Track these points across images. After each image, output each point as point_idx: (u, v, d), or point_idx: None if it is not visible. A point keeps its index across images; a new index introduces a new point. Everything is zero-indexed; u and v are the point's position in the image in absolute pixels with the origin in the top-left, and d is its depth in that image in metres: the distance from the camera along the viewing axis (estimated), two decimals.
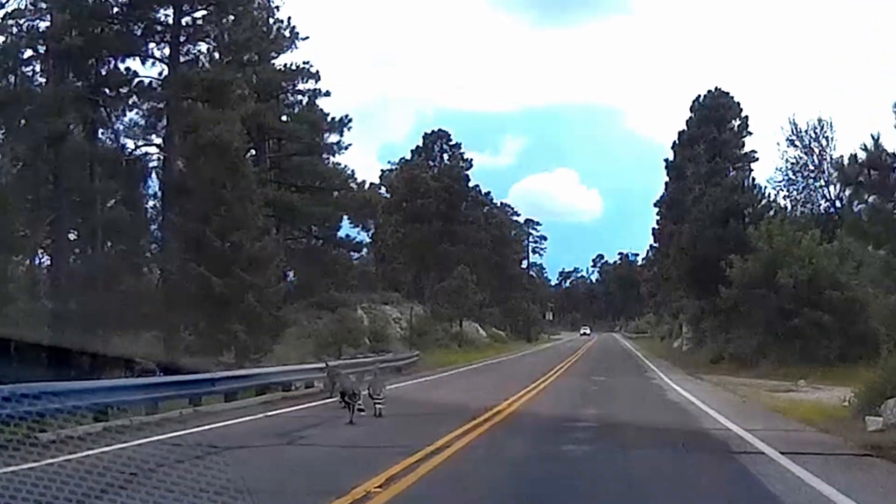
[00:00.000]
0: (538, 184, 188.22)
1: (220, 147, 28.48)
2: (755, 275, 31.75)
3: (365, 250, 77.33)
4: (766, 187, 37.10)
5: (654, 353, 53.16)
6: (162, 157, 33.24)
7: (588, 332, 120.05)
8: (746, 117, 53.91)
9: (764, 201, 36.42)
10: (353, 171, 44.93)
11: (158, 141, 35.25)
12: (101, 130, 35.02)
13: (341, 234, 55.66)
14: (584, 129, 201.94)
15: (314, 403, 17.29)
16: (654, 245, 66.85)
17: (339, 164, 45.20)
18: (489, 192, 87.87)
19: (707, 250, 35.39)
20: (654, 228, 61.93)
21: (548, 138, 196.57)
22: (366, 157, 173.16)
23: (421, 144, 74.84)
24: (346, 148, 44.38)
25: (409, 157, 74.48)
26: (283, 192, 40.29)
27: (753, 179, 37.53)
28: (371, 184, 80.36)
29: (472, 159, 75.24)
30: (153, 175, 34.95)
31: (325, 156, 46.74)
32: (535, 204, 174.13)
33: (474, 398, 18.40)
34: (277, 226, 45.33)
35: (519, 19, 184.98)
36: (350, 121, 42.70)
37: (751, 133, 54.26)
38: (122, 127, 34.74)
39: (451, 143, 74.59)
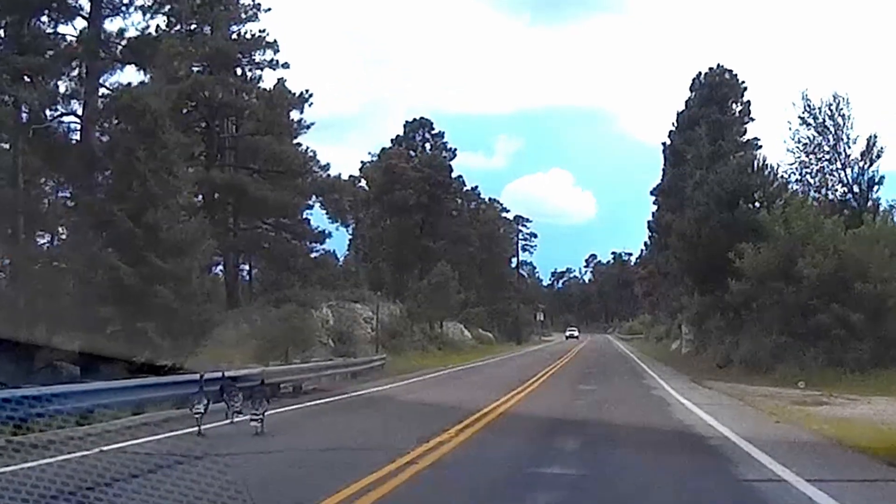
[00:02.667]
0: (531, 185, 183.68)
1: (136, 111, 23.88)
2: (770, 265, 27.26)
3: (346, 246, 73.22)
4: (777, 167, 32.56)
5: (650, 356, 48.55)
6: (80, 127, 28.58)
7: (576, 334, 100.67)
8: (749, 102, 49.77)
9: (777, 182, 31.85)
10: (314, 152, 40.31)
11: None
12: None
13: (319, 229, 51.50)
14: (578, 132, 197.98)
15: (196, 428, 12.66)
16: (651, 239, 62.17)
17: (301, 146, 40.43)
18: (476, 187, 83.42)
19: (712, 238, 30.86)
20: (649, 222, 57.35)
21: (541, 140, 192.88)
22: (358, 162, 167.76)
23: (402, 133, 70.19)
24: (309, 127, 39.75)
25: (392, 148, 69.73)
26: (233, 174, 35.64)
27: (764, 159, 33.01)
28: (350, 176, 76.06)
29: (455, 149, 70.58)
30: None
31: (296, 142, 42.36)
32: (529, 205, 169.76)
33: (419, 418, 13.86)
34: (235, 215, 40.91)
35: (514, 20, 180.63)
36: (311, 96, 38.02)
37: (753, 119, 50.11)
38: (37, 95, 30.05)
39: (433, 131, 69.98)
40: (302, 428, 13.28)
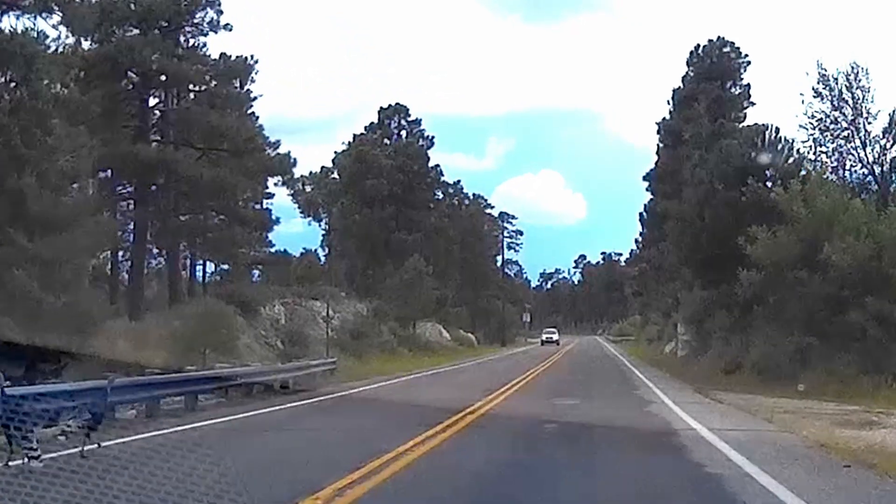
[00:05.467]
0: (522, 186, 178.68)
1: (5, 53, 19.03)
2: (789, 251, 22.62)
3: (319, 239, 68.31)
4: (792, 141, 27.88)
5: (643, 360, 43.91)
6: None
7: (555, 337, 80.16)
8: (748, 85, 45.22)
9: (793, 158, 27.22)
10: (261, 125, 35.38)
11: None
12: None
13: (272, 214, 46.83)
14: (569, 133, 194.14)
15: None
16: (642, 234, 57.48)
17: (246, 121, 35.33)
18: (459, 181, 78.76)
19: (717, 221, 26.21)
20: (641, 213, 52.62)
21: (532, 141, 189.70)
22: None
23: (376, 121, 65.18)
24: (255, 99, 34.89)
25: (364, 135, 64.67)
26: (161, 149, 30.71)
27: (777, 130, 28.29)
28: (323, 167, 71.09)
29: (433, 136, 65.55)
30: None
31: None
32: (519, 206, 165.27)
33: (308, 457, 9.09)
34: (176, 198, 36.05)
35: (504, 20, 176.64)
36: (257, 62, 33.13)
37: (754, 104, 45.53)
38: None
39: (409, 118, 65.02)
40: (107, 472, 8.43)
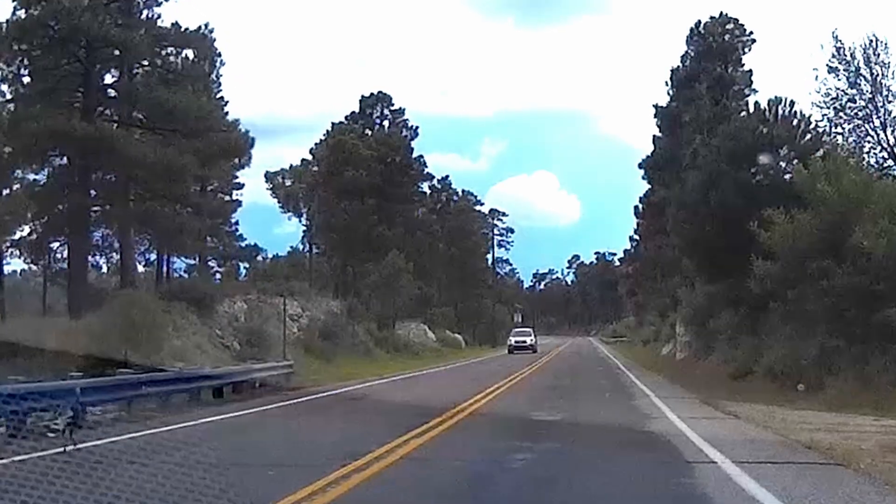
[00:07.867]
0: (516, 187, 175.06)
1: None
2: (811, 238, 19.37)
3: (300, 235, 64.95)
4: (810, 115, 24.64)
5: (638, 363, 40.61)
6: None
7: (528, 341, 58.00)
8: (750, 72, 42.02)
9: (811, 133, 24.00)
10: (221, 97, 31.84)
11: None
12: None
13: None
14: (564, 134, 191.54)
15: None
16: (637, 231, 54.23)
17: (200, 97, 31.84)
18: (447, 176, 75.58)
19: (725, 205, 22.91)
20: (636, 206, 49.34)
21: (526, 143, 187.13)
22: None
23: (358, 110, 61.86)
24: (213, 76, 31.46)
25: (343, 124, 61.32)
26: (100, 126, 27.33)
27: (792, 104, 25.03)
28: (303, 159, 67.82)
29: (417, 127, 62.29)
30: None
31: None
32: (514, 207, 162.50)
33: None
34: (125, 181, 32.68)
35: (498, 23, 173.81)
36: (212, 31, 29.75)
37: (756, 91, 42.29)
38: None
39: (392, 107, 61.73)
40: None
